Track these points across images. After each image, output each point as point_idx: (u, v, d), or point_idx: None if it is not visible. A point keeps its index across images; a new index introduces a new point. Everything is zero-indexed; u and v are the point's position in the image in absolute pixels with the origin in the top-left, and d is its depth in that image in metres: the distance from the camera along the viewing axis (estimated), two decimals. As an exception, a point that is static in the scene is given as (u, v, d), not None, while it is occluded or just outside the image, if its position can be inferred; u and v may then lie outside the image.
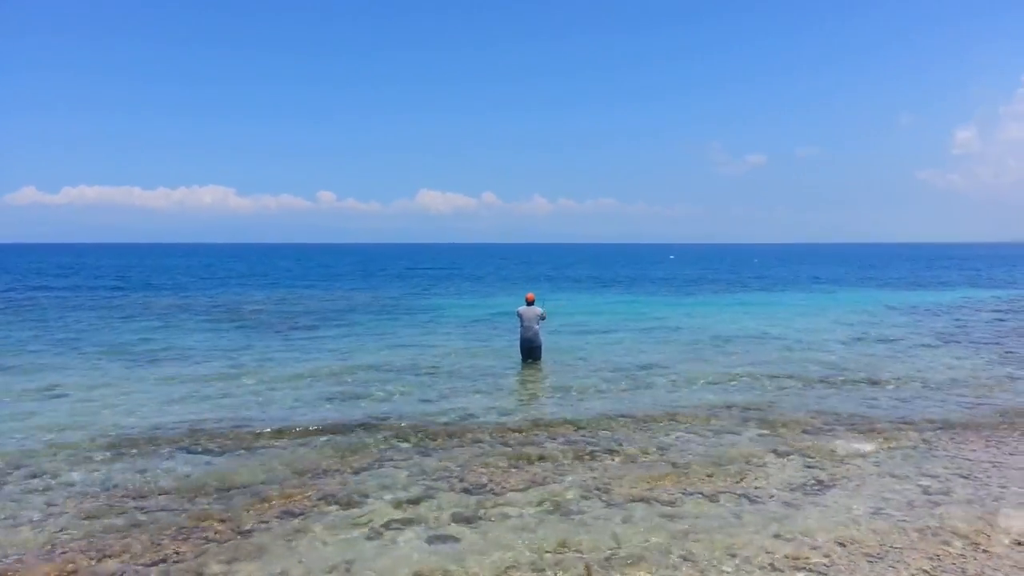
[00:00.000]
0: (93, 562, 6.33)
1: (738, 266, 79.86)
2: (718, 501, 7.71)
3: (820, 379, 14.52)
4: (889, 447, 9.74)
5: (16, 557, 6.44)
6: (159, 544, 6.67)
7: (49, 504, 7.69)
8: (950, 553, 6.43)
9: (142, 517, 7.32)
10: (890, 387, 13.79)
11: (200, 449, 9.71)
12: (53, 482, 8.40)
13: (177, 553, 6.49)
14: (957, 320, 25.70)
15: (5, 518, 7.33)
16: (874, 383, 14.14)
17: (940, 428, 10.69)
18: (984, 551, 6.47)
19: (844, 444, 9.80)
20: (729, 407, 12.04)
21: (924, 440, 10.07)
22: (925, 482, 8.31)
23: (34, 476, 8.62)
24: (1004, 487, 8.11)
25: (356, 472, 8.73)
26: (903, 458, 9.24)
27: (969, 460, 9.14)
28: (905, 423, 11.01)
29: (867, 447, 9.66)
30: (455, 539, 6.79)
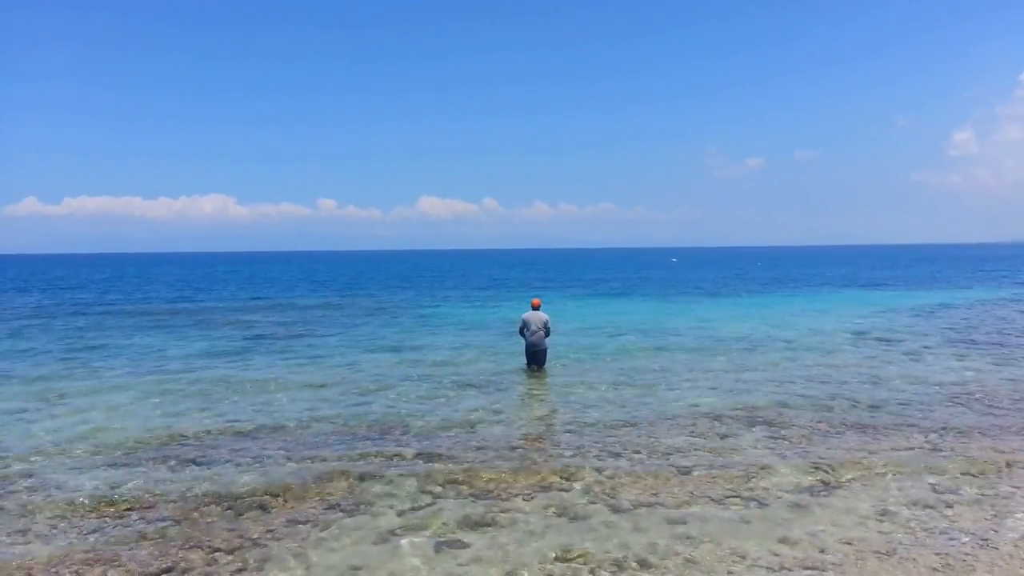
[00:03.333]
0: (100, 574, 6.34)
1: (740, 269, 79.84)
2: (725, 505, 7.70)
3: (826, 382, 14.50)
4: (896, 448, 9.73)
5: (24, 571, 6.45)
6: (167, 554, 6.67)
7: (55, 516, 7.69)
8: (959, 551, 6.42)
9: (149, 527, 7.32)
10: (896, 389, 13.76)
11: (205, 459, 9.71)
12: (59, 493, 8.39)
13: (185, 562, 6.50)
14: (963, 320, 25.64)
15: (12, 531, 7.34)
16: (880, 385, 14.11)
17: (947, 429, 10.66)
18: (994, 548, 6.46)
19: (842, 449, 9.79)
20: (735, 410, 12.02)
21: (930, 441, 10.05)
22: (932, 482, 8.30)
23: (39, 487, 8.62)
24: (1016, 487, 8.09)
25: (361, 480, 8.71)
26: (910, 459, 9.22)
27: (978, 460, 9.11)
28: (911, 425, 10.99)
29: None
30: (462, 544, 6.79)
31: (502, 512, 7.58)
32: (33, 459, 9.81)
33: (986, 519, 7.19)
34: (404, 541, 6.89)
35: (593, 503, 7.79)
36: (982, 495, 7.83)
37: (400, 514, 7.59)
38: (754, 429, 10.83)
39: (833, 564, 6.20)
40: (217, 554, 6.66)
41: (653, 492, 8.10)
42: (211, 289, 53.21)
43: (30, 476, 9.06)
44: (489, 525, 7.25)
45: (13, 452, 10.20)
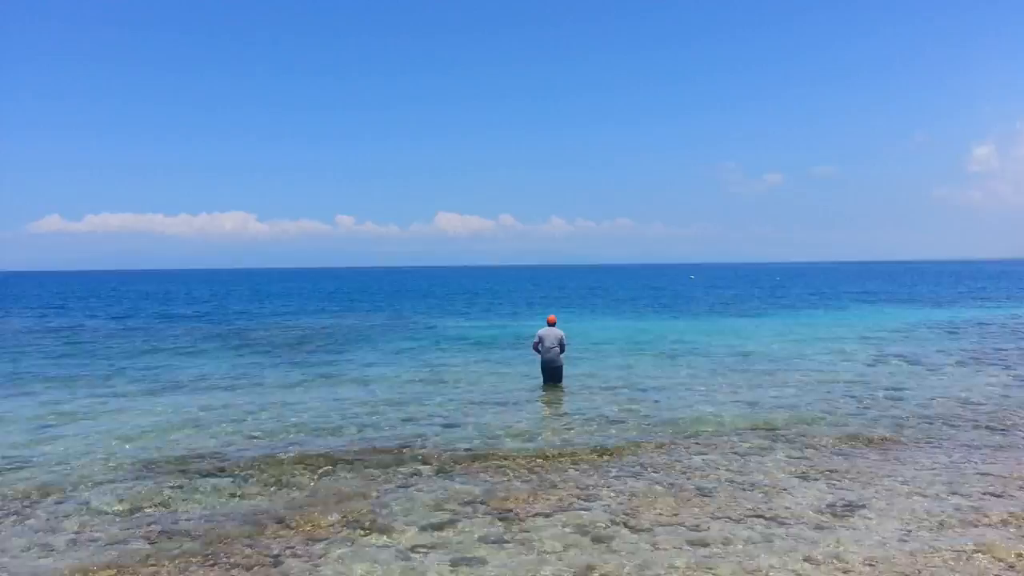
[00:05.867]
0: (122, 589, 6.38)
1: (759, 286, 79.35)
2: (746, 524, 7.62)
3: (847, 399, 14.36)
4: (919, 467, 9.60)
5: (46, 584, 6.50)
6: (186, 570, 6.70)
7: (77, 531, 7.76)
8: (986, 573, 6.31)
9: (169, 543, 7.36)
10: (920, 406, 13.59)
11: (225, 475, 9.76)
12: (81, 508, 8.47)
13: (205, 579, 6.52)
14: (988, 337, 25.34)
15: (34, 545, 7.40)
16: (904, 402, 13.95)
17: (971, 448, 10.52)
18: (1021, 571, 6.34)
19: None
20: (755, 429, 11.92)
21: (954, 460, 9.91)
22: (957, 502, 8.18)
23: (62, 502, 8.71)
24: (1039, 507, 7.95)
25: (380, 497, 8.72)
26: (933, 478, 9.11)
27: (1003, 478, 8.98)
28: (935, 443, 10.85)
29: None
30: (482, 563, 6.77)
31: (521, 531, 7.54)
32: (57, 473, 9.90)
33: (1011, 540, 7.07)
34: (423, 559, 6.88)
35: (613, 522, 7.74)
36: (1008, 515, 7.70)
37: (420, 531, 7.58)
38: (776, 447, 10.74)
39: (857, 585, 6.12)
40: (236, 570, 6.68)
41: (673, 512, 8.04)
42: (234, 306, 53.55)
43: (53, 490, 9.14)
44: (508, 544, 7.22)
45: (37, 466, 10.29)
